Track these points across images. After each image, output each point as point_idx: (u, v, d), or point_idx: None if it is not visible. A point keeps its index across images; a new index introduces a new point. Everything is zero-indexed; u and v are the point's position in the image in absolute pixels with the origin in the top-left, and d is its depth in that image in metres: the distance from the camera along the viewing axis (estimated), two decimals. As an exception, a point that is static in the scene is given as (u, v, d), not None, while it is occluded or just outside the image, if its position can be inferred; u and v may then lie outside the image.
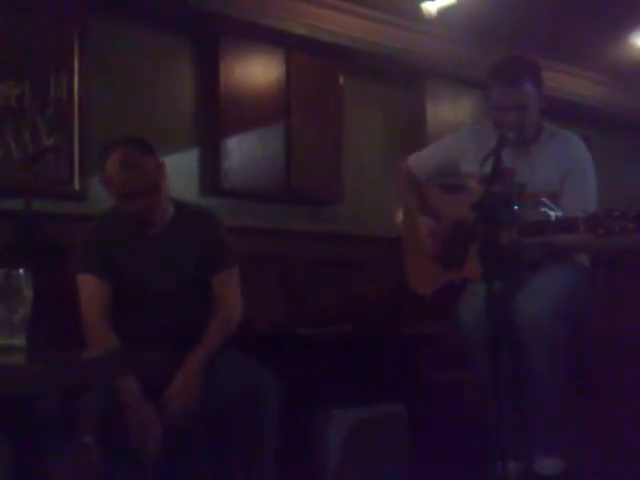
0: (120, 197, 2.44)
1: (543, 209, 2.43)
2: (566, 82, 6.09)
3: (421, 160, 3.10)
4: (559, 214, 2.41)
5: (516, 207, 2.46)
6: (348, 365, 3.39)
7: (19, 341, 1.82)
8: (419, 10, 4.85)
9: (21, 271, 1.86)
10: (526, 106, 2.72)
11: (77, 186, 4.14)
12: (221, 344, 2.48)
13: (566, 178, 2.73)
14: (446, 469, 2.95)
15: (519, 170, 2.74)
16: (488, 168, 2.43)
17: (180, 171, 4.33)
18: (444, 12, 4.86)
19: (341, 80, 5.13)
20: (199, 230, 2.57)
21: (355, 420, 3.09)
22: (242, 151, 4.69)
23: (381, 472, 3.11)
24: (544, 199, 2.46)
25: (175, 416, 2.34)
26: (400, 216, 3.49)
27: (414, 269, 3.11)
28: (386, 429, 3.20)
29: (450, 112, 5.64)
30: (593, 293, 2.91)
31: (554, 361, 2.61)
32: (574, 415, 2.84)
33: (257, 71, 4.79)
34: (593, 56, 5.91)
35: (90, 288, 2.47)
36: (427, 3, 4.84)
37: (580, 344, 2.84)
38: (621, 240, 2.33)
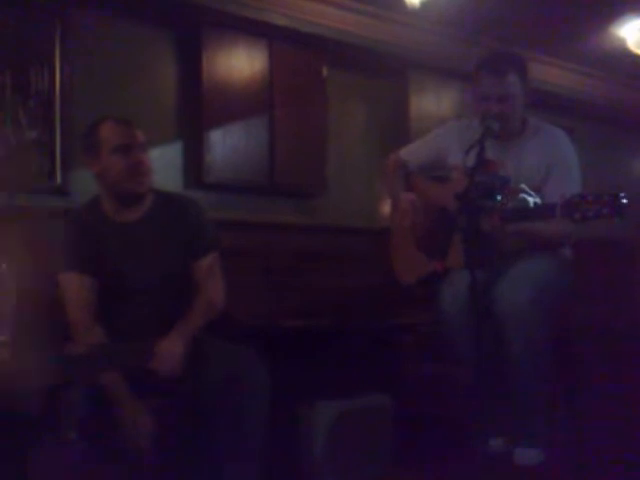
0: (115, 152, 2.45)
1: (522, 195, 2.44)
2: (549, 73, 6.12)
3: (412, 153, 3.12)
4: (537, 200, 2.42)
5: (499, 197, 2.47)
6: (333, 357, 3.39)
7: (3, 337, 1.82)
8: (402, 2, 4.84)
9: (4, 266, 1.86)
10: (511, 97, 2.74)
11: (59, 180, 4.11)
12: (203, 325, 2.46)
13: (550, 173, 2.75)
14: (431, 460, 2.96)
15: (503, 164, 2.75)
16: (472, 158, 2.45)
17: (163, 164, 4.31)
18: (427, 4, 4.86)
19: (324, 72, 5.12)
20: (180, 216, 2.57)
21: (340, 412, 3.09)
22: (226, 144, 4.68)
23: (366, 463, 3.11)
24: (523, 186, 2.47)
25: (159, 373, 2.29)
26: (387, 208, 3.50)
27: (400, 258, 3.13)
28: (371, 420, 3.20)
29: (433, 104, 5.65)
30: (574, 284, 2.92)
31: (533, 350, 2.62)
32: (553, 405, 2.85)
33: (240, 63, 4.77)
34: (576, 47, 5.93)
35: (73, 286, 2.45)
36: (410, -5, 4.85)
37: (560, 334, 2.85)
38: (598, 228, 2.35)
